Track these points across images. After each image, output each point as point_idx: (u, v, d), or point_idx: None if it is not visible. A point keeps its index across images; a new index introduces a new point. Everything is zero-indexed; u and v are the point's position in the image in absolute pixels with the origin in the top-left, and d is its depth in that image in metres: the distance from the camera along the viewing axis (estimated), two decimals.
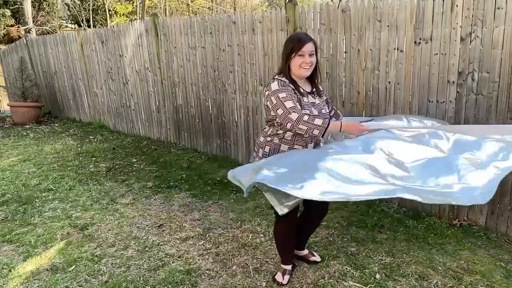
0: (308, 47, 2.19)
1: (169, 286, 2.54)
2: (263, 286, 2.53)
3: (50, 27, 18.79)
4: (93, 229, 3.36)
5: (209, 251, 2.96)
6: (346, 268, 2.68)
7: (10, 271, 2.75)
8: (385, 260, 2.77)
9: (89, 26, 19.62)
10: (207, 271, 2.70)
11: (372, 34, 3.51)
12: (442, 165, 1.93)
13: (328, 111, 2.41)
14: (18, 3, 17.57)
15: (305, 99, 2.26)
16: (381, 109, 3.58)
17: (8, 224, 3.49)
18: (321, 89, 2.43)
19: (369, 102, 3.66)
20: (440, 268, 2.66)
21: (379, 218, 3.42)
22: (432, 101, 3.28)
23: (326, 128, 2.08)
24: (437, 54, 3.19)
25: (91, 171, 4.94)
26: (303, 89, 2.28)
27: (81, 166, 5.18)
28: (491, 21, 2.89)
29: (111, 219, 3.55)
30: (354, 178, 1.82)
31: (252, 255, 2.89)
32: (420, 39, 3.24)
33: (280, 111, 2.14)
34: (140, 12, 21.02)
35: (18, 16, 18.52)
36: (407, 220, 3.38)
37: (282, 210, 2.18)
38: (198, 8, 26.14)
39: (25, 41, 9.03)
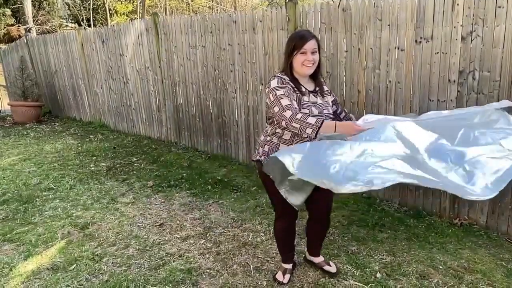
0: (311, 45, 2.15)
1: (170, 285, 2.54)
2: (264, 285, 2.53)
3: (50, 27, 18.79)
4: (93, 228, 3.36)
5: (209, 250, 2.96)
6: (347, 267, 2.68)
7: (11, 270, 2.76)
8: (385, 259, 2.77)
9: (89, 25, 19.62)
10: (207, 270, 2.70)
11: (373, 33, 3.50)
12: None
13: (331, 112, 2.33)
14: (19, 2, 17.57)
15: (305, 98, 2.21)
16: (382, 108, 3.58)
17: (9, 223, 3.49)
18: (326, 88, 2.38)
19: (369, 101, 3.66)
20: (441, 267, 2.66)
21: (380, 217, 3.42)
22: (432, 100, 3.28)
23: (319, 127, 2.01)
24: (438, 53, 3.18)
25: (92, 170, 4.94)
26: (304, 88, 2.24)
27: (81, 165, 5.18)
28: (492, 20, 2.88)
29: (112, 218, 3.55)
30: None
31: (253, 254, 2.89)
32: (421, 38, 3.24)
33: (276, 109, 2.12)
34: (141, 11, 21.02)
35: (18, 15, 18.51)
36: (407, 219, 3.38)
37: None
38: (198, 7, 26.14)
39: (25, 40, 9.03)
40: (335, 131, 2.00)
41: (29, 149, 6.10)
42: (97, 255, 2.93)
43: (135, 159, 5.38)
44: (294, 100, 2.16)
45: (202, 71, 5.27)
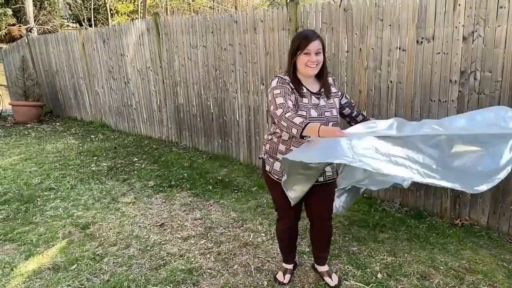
0: (314, 45, 2.10)
1: (171, 285, 2.54)
2: (265, 285, 2.53)
3: (51, 26, 18.81)
4: (94, 228, 3.36)
5: (210, 250, 2.96)
6: (348, 268, 2.68)
7: (12, 269, 2.76)
8: (386, 259, 2.77)
9: (90, 25, 19.64)
10: (208, 270, 2.70)
11: (374, 33, 3.50)
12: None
13: (335, 114, 2.23)
14: (20, 2, 17.60)
15: (304, 100, 2.17)
16: (383, 109, 3.58)
17: (10, 223, 3.50)
18: (334, 90, 2.28)
19: (370, 101, 3.65)
20: (442, 267, 2.66)
21: (381, 218, 3.41)
22: (434, 100, 3.28)
23: (303, 128, 1.94)
24: (439, 53, 3.18)
25: (93, 170, 4.94)
26: (307, 89, 2.20)
27: (82, 165, 5.19)
28: (494, 20, 2.88)
29: (113, 218, 3.55)
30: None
31: (254, 254, 2.89)
32: (422, 38, 3.24)
33: (272, 107, 2.12)
34: (142, 11, 21.04)
35: (19, 15, 18.55)
36: (408, 219, 3.37)
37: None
38: (199, 7, 26.15)
39: (26, 40, 9.04)
40: (318, 135, 1.91)
41: (30, 149, 6.11)
42: (98, 255, 2.93)
43: (136, 159, 5.38)
44: (291, 100, 2.13)
45: (203, 71, 5.27)
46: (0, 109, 9.31)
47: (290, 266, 2.59)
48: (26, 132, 7.45)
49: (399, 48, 3.39)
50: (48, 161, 5.38)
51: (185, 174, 4.66)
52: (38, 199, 4.03)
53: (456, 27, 3.05)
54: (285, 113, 2.03)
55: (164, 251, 2.97)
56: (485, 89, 3.01)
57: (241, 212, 3.60)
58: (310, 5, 4.01)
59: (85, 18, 21.00)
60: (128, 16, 22.24)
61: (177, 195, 4.07)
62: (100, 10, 21.97)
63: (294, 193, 2.20)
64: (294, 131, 1.98)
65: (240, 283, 2.55)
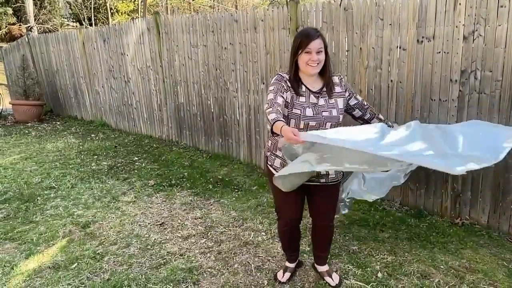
0: (315, 44, 2.07)
1: (171, 284, 2.54)
2: (265, 284, 2.53)
3: (51, 26, 18.81)
4: (95, 227, 3.36)
5: (210, 249, 2.97)
6: (348, 267, 2.68)
7: (13, 268, 2.76)
8: (387, 258, 2.77)
9: (90, 25, 19.63)
10: (208, 269, 2.70)
11: (375, 33, 3.50)
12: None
13: (335, 114, 2.16)
14: (20, 2, 17.59)
15: (301, 98, 2.15)
16: (383, 108, 3.58)
17: (10, 222, 3.50)
18: (338, 90, 2.23)
19: (371, 100, 3.65)
20: (442, 267, 2.66)
21: (381, 217, 3.41)
22: (434, 100, 3.27)
23: (273, 125, 1.89)
24: (439, 52, 3.17)
25: (93, 169, 4.94)
26: (306, 88, 2.18)
27: (83, 164, 5.19)
28: (494, 19, 2.87)
29: (113, 217, 3.55)
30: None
31: (254, 253, 2.89)
32: (423, 37, 3.23)
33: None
34: (142, 10, 21.03)
35: (19, 14, 18.55)
36: (409, 219, 3.37)
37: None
38: (200, 7, 26.14)
39: (26, 39, 9.03)
40: (280, 133, 1.85)
41: (30, 148, 6.11)
42: (99, 254, 2.93)
43: (136, 158, 5.39)
44: (282, 97, 2.09)
45: (203, 70, 5.27)
46: (0, 108, 9.31)
47: (291, 265, 2.59)
48: (27, 131, 7.45)
49: (400, 48, 3.39)
50: (48, 160, 5.38)
51: (186, 173, 4.66)
52: (38, 198, 4.03)
53: (456, 27, 3.05)
54: (267, 108, 2.03)
55: (164, 250, 2.97)
56: (485, 88, 3.01)
57: (242, 211, 3.60)
58: (311, 4, 4.01)
59: (85, 17, 21.00)
60: (128, 15, 22.24)
61: (177, 194, 4.07)
62: (100, 9, 21.96)
63: (284, 184, 2.16)
64: (268, 126, 1.98)
65: (241, 282, 2.55)
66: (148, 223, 3.42)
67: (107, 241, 3.12)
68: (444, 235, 3.09)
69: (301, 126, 2.14)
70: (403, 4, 3.28)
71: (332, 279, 2.50)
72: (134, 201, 3.92)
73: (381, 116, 2.44)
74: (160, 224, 3.40)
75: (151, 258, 2.86)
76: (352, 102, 2.32)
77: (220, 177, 4.49)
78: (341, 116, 2.21)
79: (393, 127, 2.24)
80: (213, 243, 3.05)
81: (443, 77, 3.19)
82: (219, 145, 5.36)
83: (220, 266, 2.73)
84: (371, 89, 3.63)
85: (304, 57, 2.10)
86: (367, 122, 2.38)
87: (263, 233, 3.18)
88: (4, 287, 2.56)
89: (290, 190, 2.20)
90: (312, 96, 2.18)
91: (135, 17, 18.43)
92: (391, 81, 3.49)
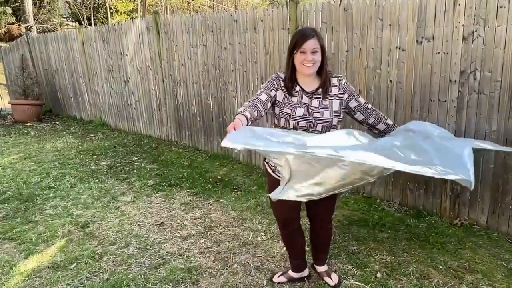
0: (310, 44, 2.04)
1: (170, 284, 2.54)
2: (264, 284, 2.53)
3: (51, 25, 18.78)
4: (94, 227, 3.36)
5: (210, 249, 2.97)
6: (347, 267, 2.68)
7: (12, 268, 2.76)
8: (386, 259, 2.77)
9: (90, 24, 19.61)
10: (208, 269, 2.70)
11: (374, 33, 3.50)
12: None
13: (327, 116, 2.12)
14: (19, 1, 17.57)
15: (293, 99, 2.14)
16: (383, 108, 3.58)
17: (9, 222, 3.50)
18: (335, 92, 2.16)
19: (370, 101, 3.65)
20: (441, 267, 2.66)
21: (380, 217, 3.42)
22: (433, 100, 3.28)
23: (235, 116, 1.95)
24: (439, 53, 3.18)
25: (92, 169, 4.94)
26: (301, 88, 2.15)
27: (82, 164, 5.18)
28: (494, 20, 2.88)
29: (112, 217, 3.55)
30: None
31: (253, 253, 2.89)
32: (422, 38, 3.24)
33: None
34: (141, 10, 21.01)
35: (19, 14, 18.51)
36: (408, 219, 3.38)
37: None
38: (199, 7, 26.13)
39: (26, 39, 9.02)
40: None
41: (29, 148, 6.10)
42: (98, 253, 2.93)
43: (135, 158, 5.38)
44: (268, 94, 2.11)
45: (203, 70, 5.27)
46: (0, 108, 9.29)
47: (294, 274, 2.52)
48: (26, 131, 7.44)
49: (399, 48, 3.39)
50: (47, 160, 5.37)
51: (185, 173, 4.66)
52: (37, 198, 4.03)
53: (456, 27, 3.05)
54: (246, 103, 2.08)
55: (163, 250, 2.97)
56: (484, 89, 3.02)
57: (241, 211, 3.60)
58: (310, 4, 4.01)
59: (85, 17, 20.96)
60: (127, 15, 22.20)
61: (176, 194, 4.07)
62: (99, 9, 21.92)
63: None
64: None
65: (240, 282, 2.55)
66: (147, 223, 3.42)
67: (106, 241, 3.12)
68: (443, 236, 3.09)
69: (291, 125, 2.12)
70: (402, 4, 3.28)
71: (331, 279, 2.50)
72: (133, 201, 3.92)
73: (389, 121, 2.29)
74: (159, 224, 3.40)
75: (150, 258, 2.86)
76: (353, 104, 2.21)
77: (220, 177, 4.49)
78: (335, 119, 2.14)
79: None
80: (212, 243, 3.05)
81: (443, 77, 3.20)
82: (219, 145, 5.36)
83: (219, 266, 2.73)
84: (370, 89, 3.63)
85: (299, 57, 2.07)
86: (372, 127, 2.27)
87: (262, 233, 3.18)
88: (3, 287, 2.56)
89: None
90: (304, 96, 2.15)
91: (134, 17, 18.42)
92: (391, 81, 3.50)
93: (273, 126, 2.27)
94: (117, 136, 6.77)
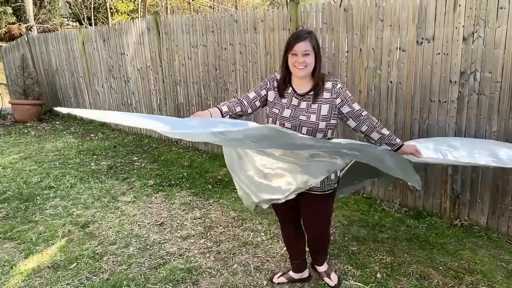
0: (301, 47, 2.00)
1: (170, 284, 2.54)
2: (264, 284, 2.53)
3: (51, 25, 18.79)
4: (94, 227, 3.36)
5: (210, 249, 2.97)
6: (347, 267, 2.68)
7: (12, 268, 2.76)
8: (386, 259, 2.77)
9: (90, 24, 19.62)
10: (208, 270, 2.70)
11: (374, 34, 3.50)
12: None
13: (313, 120, 2.06)
14: (20, 1, 17.58)
15: (283, 100, 2.14)
16: (383, 109, 3.58)
17: (9, 222, 3.50)
18: (327, 96, 2.08)
19: (370, 101, 3.66)
20: (441, 267, 2.67)
21: (380, 218, 3.42)
22: (434, 101, 3.28)
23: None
24: (439, 53, 3.18)
25: (92, 169, 4.94)
26: (293, 89, 2.14)
27: (82, 164, 5.19)
28: (494, 21, 2.88)
29: (112, 217, 3.55)
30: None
31: (253, 253, 2.89)
32: (422, 38, 3.24)
33: None
34: (142, 10, 21.01)
35: (19, 13, 18.52)
36: (408, 219, 3.38)
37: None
38: (200, 7, 26.13)
39: (26, 39, 9.03)
40: None
41: (29, 148, 6.11)
42: (98, 253, 2.93)
43: (135, 158, 5.38)
44: (258, 93, 2.20)
45: (203, 70, 5.27)
46: (0, 108, 9.30)
47: (295, 275, 2.52)
48: (26, 131, 7.44)
49: (399, 49, 3.39)
50: (47, 160, 5.38)
51: (185, 173, 4.66)
52: (37, 197, 4.03)
53: (456, 28, 3.05)
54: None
55: (163, 250, 2.97)
56: (485, 89, 3.02)
57: (241, 212, 3.60)
58: (311, 5, 4.01)
59: (85, 17, 20.97)
60: (128, 15, 22.21)
61: (176, 194, 4.07)
62: (100, 9, 21.93)
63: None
64: None
65: (240, 283, 2.55)
66: (147, 223, 3.42)
67: (106, 241, 3.12)
68: (443, 236, 3.09)
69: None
70: (403, 5, 3.29)
71: (331, 279, 2.50)
72: (134, 201, 3.92)
73: (385, 131, 2.14)
74: (159, 224, 3.40)
75: (150, 258, 2.86)
76: (345, 110, 2.09)
77: (220, 177, 4.49)
78: (322, 123, 2.06)
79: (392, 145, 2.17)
80: (212, 243, 3.05)
81: (443, 78, 3.20)
82: (218, 145, 5.36)
83: (219, 267, 2.74)
84: (370, 90, 3.63)
85: (291, 58, 2.06)
86: (367, 135, 2.15)
87: (262, 234, 3.18)
88: (3, 287, 2.56)
89: (251, 207, 2.30)
90: (294, 98, 2.13)
91: (135, 17, 18.42)
92: (391, 82, 3.50)
93: None
94: (117, 136, 6.77)
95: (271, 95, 2.18)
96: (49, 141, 6.53)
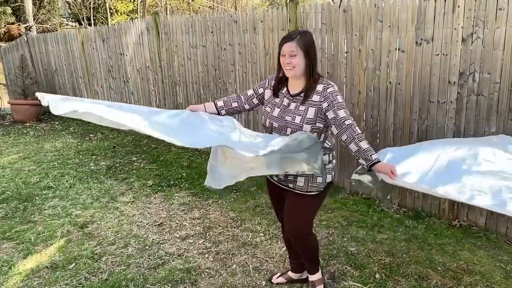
0: (286, 47, 1.99)
1: (169, 284, 2.54)
2: (263, 285, 2.53)
3: (50, 25, 18.78)
4: (93, 227, 3.36)
5: (209, 250, 2.97)
6: (346, 268, 2.68)
7: (10, 268, 2.76)
8: (384, 260, 2.77)
9: (89, 24, 19.61)
10: (207, 270, 2.70)
11: (374, 34, 3.51)
12: None
13: (298, 122, 2.03)
14: (19, 1, 17.57)
15: (276, 99, 2.15)
16: (382, 110, 3.59)
17: (8, 222, 3.49)
18: (316, 99, 2.03)
19: (370, 102, 3.66)
20: (439, 268, 2.67)
21: (379, 218, 3.42)
22: (433, 102, 3.28)
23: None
24: (438, 54, 3.19)
25: (91, 169, 4.94)
26: (287, 89, 2.14)
27: (81, 164, 5.18)
28: (493, 22, 2.89)
29: (111, 217, 3.55)
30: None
31: (252, 254, 2.89)
32: (422, 39, 3.24)
33: None
34: (141, 10, 21.01)
35: (18, 14, 18.50)
36: (407, 220, 3.38)
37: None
38: (199, 7, 26.12)
39: (25, 39, 9.02)
40: None
41: (28, 148, 6.10)
42: (97, 254, 2.93)
43: (135, 159, 5.38)
44: (255, 90, 2.27)
45: (202, 70, 5.27)
46: None
47: (291, 274, 2.53)
48: (25, 131, 7.43)
49: (398, 49, 3.40)
50: (46, 160, 5.37)
51: (184, 174, 4.66)
52: (36, 197, 4.02)
53: (455, 29, 3.06)
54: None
55: (162, 250, 2.97)
56: (483, 90, 3.02)
57: (240, 212, 3.60)
58: (310, 5, 4.02)
59: (85, 17, 20.96)
60: (127, 15, 22.20)
61: (175, 194, 4.07)
62: (99, 9, 21.92)
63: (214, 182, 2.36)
64: None
65: (239, 283, 2.55)
66: (146, 224, 3.42)
67: (105, 241, 3.12)
68: (442, 237, 3.10)
69: (267, 124, 2.18)
70: (402, 6, 3.29)
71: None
72: (133, 201, 3.92)
73: (363, 145, 1.93)
74: (158, 225, 3.40)
75: (149, 258, 2.86)
76: (330, 115, 2.00)
77: None
78: (306, 126, 2.01)
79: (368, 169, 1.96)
80: (211, 244, 3.05)
81: (442, 79, 3.20)
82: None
83: (218, 267, 2.73)
84: (370, 90, 3.64)
85: (281, 59, 2.06)
86: (345, 145, 1.98)
87: (261, 234, 3.18)
88: (2, 287, 2.56)
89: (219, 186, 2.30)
90: (286, 98, 2.13)
91: (134, 17, 18.40)
92: (390, 82, 3.50)
93: (262, 125, 2.30)
94: (117, 136, 6.77)
95: (267, 94, 2.22)
96: (48, 141, 6.53)
